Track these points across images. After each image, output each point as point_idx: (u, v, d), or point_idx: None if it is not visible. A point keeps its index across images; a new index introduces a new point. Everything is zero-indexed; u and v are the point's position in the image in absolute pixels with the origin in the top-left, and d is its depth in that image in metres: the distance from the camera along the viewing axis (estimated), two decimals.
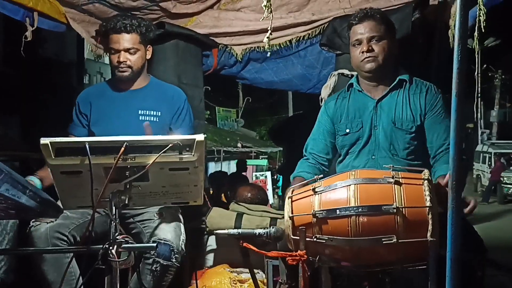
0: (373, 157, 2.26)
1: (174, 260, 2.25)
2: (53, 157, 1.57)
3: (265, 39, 1.90)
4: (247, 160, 13.63)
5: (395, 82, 2.29)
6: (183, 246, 2.31)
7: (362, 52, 2.25)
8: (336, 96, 2.45)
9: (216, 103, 21.11)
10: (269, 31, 1.89)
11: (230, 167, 15.71)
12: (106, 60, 2.66)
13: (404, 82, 2.30)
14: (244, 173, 9.62)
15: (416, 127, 2.23)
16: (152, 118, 2.57)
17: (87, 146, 1.55)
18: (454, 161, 1.35)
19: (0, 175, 1.33)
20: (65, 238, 2.28)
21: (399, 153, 2.23)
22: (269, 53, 3.25)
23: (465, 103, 1.42)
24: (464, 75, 1.37)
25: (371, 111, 2.29)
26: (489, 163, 19.62)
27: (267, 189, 12.00)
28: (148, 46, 2.65)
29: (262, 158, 18.41)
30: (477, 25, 2.36)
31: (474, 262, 1.89)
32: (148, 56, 2.66)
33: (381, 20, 2.28)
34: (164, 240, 2.24)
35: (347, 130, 2.32)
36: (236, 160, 12.52)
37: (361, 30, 2.26)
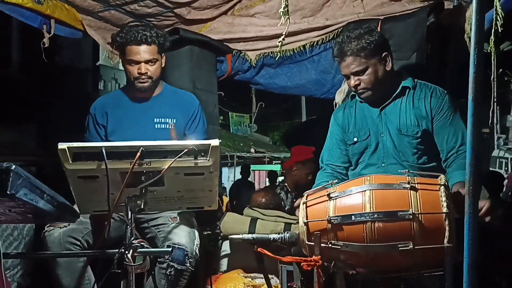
0: (382, 164, 2.26)
1: (188, 264, 2.25)
2: (71, 162, 1.59)
3: (278, 43, 1.91)
4: (259, 165, 13.61)
5: (398, 91, 2.27)
6: (197, 251, 2.31)
7: (354, 86, 2.25)
8: (343, 106, 2.47)
9: (230, 108, 21.11)
10: (283, 36, 1.89)
11: None
12: (121, 66, 2.65)
13: (407, 89, 2.28)
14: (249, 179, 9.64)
15: (421, 131, 2.21)
16: (168, 126, 2.57)
17: (103, 151, 1.57)
18: (470, 166, 1.33)
19: (19, 180, 1.35)
20: (78, 243, 2.29)
21: (408, 159, 2.22)
22: (277, 58, 3.31)
23: (482, 107, 1.40)
24: (480, 79, 1.36)
25: (375, 119, 2.30)
26: (506, 168, 19.32)
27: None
28: (162, 54, 2.67)
29: (275, 163, 18.37)
30: (493, 28, 2.33)
31: (491, 268, 1.87)
32: (163, 64, 2.67)
33: (361, 51, 2.18)
34: (178, 245, 2.24)
35: (355, 139, 2.33)
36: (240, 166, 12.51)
37: (345, 68, 2.24)
